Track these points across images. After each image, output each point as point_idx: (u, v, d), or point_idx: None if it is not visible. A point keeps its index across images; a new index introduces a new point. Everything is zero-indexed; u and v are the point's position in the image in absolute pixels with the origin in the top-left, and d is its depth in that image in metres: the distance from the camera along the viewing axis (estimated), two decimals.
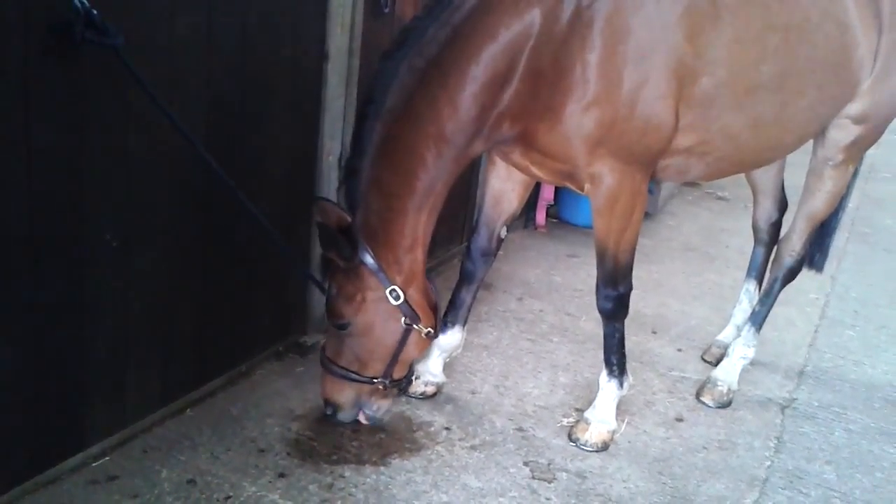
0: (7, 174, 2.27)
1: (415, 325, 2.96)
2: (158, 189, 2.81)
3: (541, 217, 6.20)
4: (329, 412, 3.11)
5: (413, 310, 2.94)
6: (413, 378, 3.31)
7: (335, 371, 2.99)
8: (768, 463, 3.41)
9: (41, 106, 2.31)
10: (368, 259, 2.80)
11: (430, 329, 3.03)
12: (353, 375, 2.99)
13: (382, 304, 2.88)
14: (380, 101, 2.73)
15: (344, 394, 3.04)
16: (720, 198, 7.99)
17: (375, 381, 3.01)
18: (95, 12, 2.27)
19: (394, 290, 2.87)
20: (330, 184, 3.67)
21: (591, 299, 4.76)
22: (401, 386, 3.16)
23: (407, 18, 4.00)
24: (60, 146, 2.41)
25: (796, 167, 4.25)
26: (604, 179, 3.00)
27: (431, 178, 2.80)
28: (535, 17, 2.74)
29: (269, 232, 3.00)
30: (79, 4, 2.24)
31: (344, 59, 3.56)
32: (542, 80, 2.81)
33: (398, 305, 2.89)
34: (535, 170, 3.15)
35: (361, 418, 3.14)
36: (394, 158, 2.76)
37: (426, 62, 2.71)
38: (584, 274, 5.37)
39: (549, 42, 2.77)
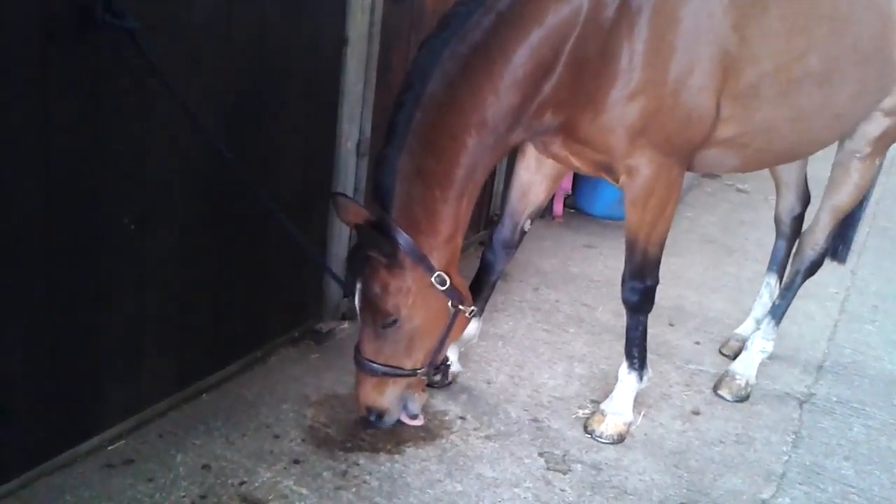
0: (25, 158, 2.27)
1: (461, 307, 2.90)
2: (176, 174, 2.80)
3: (558, 207, 6.16)
4: (374, 418, 2.95)
5: (459, 292, 2.89)
6: (450, 362, 3.23)
7: (378, 370, 2.84)
8: (786, 458, 3.38)
9: (59, 91, 2.30)
10: (413, 249, 2.70)
11: (472, 307, 2.98)
12: (398, 371, 2.87)
13: (431, 291, 2.80)
14: (419, 88, 2.65)
15: (387, 394, 2.91)
16: (740, 190, 7.92)
17: (419, 372, 2.93)
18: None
19: (439, 275, 2.78)
20: (348, 169, 3.66)
21: (608, 290, 4.78)
22: (444, 370, 3.10)
23: (426, 3, 3.97)
24: (78, 131, 2.40)
25: (818, 160, 4.19)
26: (641, 171, 2.97)
27: (473, 165, 2.75)
28: (582, 3, 2.71)
29: (287, 227, 2.94)
30: None
31: (364, 44, 3.54)
32: (587, 68, 2.78)
33: (445, 290, 2.81)
34: (573, 160, 3.12)
35: (405, 419, 3.05)
36: (437, 146, 2.68)
37: (470, 49, 2.65)
38: (600, 265, 5.34)
39: (595, 30, 2.73)
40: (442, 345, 2.96)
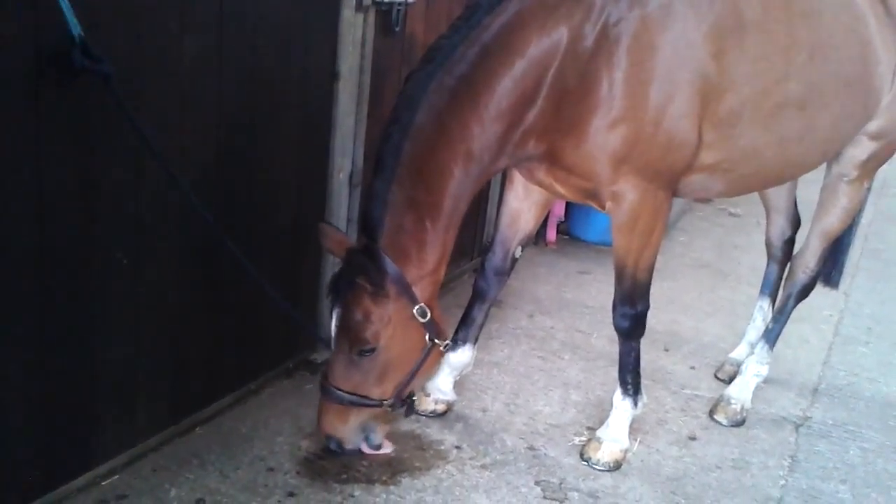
0: (18, 193, 2.28)
1: (436, 340, 2.89)
2: (169, 208, 2.81)
3: (551, 233, 6.18)
4: (333, 446, 2.93)
5: (437, 325, 2.88)
6: (416, 397, 3.22)
7: (343, 398, 2.81)
8: (783, 482, 3.37)
9: (51, 131, 2.31)
10: (400, 279, 2.71)
11: (448, 342, 2.98)
12: (363, 400, 2.84)
13: (411, 323, 2.79)
14: (406, 120, 2.68)
15: (348, 423, 2.88)
16: (732, 214, 7.95)
17: (384, 403, 2.90)
18: (87, 43, 2.25)
19: (421, 307, 2.78)
20: (341, 200, 3.67)
21: (603, 316, 4.79)
22: (409, 404, 3.07)
23: (417, 37, 4.01)
24: (71, 166, 2.41)
25: (809, 184, 4.22)
26: (626, 197, 3.00)
27: (459, 195, 2.78)
28: (562, 35, 2.75)
29: (274, 297, 2.93)
30: (75, 34, 2.22)
31: (355, 78, 3.57)
32: (568, 97, 2.82)
33: (424, 323, 2.82)
34: (558, 187, 3.15)
35: (364, 448, 3.00)
36: (427, 177, 2.71)
37: (456, 80, 2.69)
38: (594, 291, 5.34)
39: (575, 60, 2.78)
40: (412, 378, 2.93)
